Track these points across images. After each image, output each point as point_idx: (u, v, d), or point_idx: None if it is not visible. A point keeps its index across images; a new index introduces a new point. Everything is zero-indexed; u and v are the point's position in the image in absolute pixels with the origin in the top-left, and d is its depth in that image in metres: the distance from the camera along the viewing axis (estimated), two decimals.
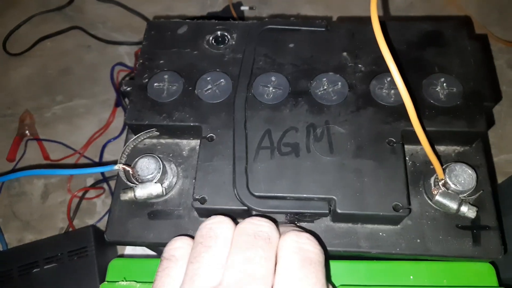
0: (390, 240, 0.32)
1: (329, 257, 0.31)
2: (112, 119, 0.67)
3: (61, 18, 0.82)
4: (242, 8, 0.73)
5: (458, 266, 0.32)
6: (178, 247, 0.24)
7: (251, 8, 0.74)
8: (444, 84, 0.35)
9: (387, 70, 0.36)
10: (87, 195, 0.61)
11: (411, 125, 0.30)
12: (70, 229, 0.57)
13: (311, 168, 0.32)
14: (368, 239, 0.32)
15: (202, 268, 0.21)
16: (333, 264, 0.32)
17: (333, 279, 0.32)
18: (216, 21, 0.41)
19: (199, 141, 0.35)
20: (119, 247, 0.55)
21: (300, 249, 0.22)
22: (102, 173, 0.60)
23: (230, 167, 0.33)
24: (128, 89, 0.37)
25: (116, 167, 0.33)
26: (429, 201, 0.33)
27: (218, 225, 0.23)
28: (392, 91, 0.35)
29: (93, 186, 0.61)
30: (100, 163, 0.61)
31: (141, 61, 0.39)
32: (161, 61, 0.38)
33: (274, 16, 0.74)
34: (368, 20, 0.28)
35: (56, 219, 0.61)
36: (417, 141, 0.33)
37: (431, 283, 0.32)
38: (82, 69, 0.75)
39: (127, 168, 0.33)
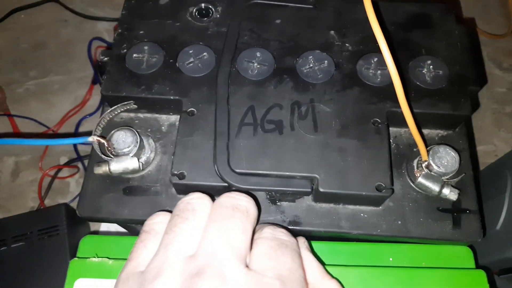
0: (371, 221, 0.32)
1: (310, 237, 0.31)
2: (88, 97, 0.64)
3: None
4: None
5: (437, 249, 0.32)
6: (158, 221, 0.23)
7: None
8: (431, 66, 0.35)
9: (374, 50, 0.35)
10: (60, 174, 0.59)
11: (397, 106, 0.29)
12: (40, 207, 0.55)
13: (295, 146, 0.31)
14: (349, 220, 0.32)
15: (177, 238, 0.20)
16: (314, 244, 0.31)
17: None
18: None
19: (179, 116, 0.34)
20: (92, 226, 0.53)
21: (275, 238, 0.22)
22: (77, 151, 0.58)
23: (211, 143, 0.31)
24: (105, 59, 0.35)
25: (90, 139, 0.31)
26: (411, 183, 0.33)
27: (197, 200, 0.23)
28: (379, 72, 0.34)
29: (66, 164, 0.59)
30: (74, 135, 0.59)
31: (119, 31, 0.37)
32: (141, 32, 0.37)
33: None
34: None
35: (26, 198, 0.58)
36: (401, 123, 0.32)
37: (410, 265, 0.32)
38: (58, 44, 0.72)
39: (102, 141, 0.31)
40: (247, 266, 0.20)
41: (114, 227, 0.49)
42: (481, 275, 0.30)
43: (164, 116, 0.36)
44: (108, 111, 0.33)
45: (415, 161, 0.33)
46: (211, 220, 0.21)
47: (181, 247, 0.19)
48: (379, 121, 0.32)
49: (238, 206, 0.22)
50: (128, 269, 0.21)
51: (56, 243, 0.44)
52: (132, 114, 0.35)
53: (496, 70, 0.70)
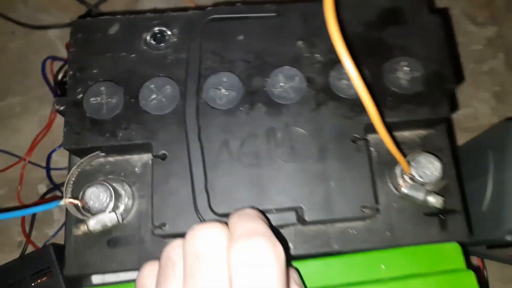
0: (361, 237, 0.32)
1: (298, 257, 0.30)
2: (54, 116, 0.61)
3: None
4: None
5: (426, 248, 0.33)
6: (146, 275, 0.23)
7: None
8: (406, 68, 0.33)
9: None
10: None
11: None
12: (28, 244, 0.54)
13: (275, 177, 0.31)
14: (339, 238, 0.32)
15: None
16: (302, 264, 0.31)
17: (304, 280, 0.31)
18: (152, 15, 0.36)
19: (151, 155, 0.32)
20: None
21: (251, 263, 0.20)
22: (51, 181, 0.56)
23: (188, 186, 0.30)
24: (62, 108, 0.33)
25: (62, 202, 0.30)
26: (395, 191, 0.33)
27: (176, 250, 0.22)
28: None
29: (46, 193, 0.57)
30: (48, 172, 0.56)
31: (71, 72, 0.34)
32: (94, 70, 0.34)
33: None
34: None
35: (12, 233, 0.57)
36: None
37: (402, 269, 0.32)
38: (9, 60, 0.67)
39: (75, 202, 0.30)
40: None
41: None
42: (471, 276, 0.31)
43: (136, 157, 0.34)
44: (75, 167, 0.31)
45: (398, 169, 0.32)
46: (184, 277, 0.21)
47: None
48: (358, 136, 0.31)
49: (202, 253, 0.21)
50: None
51: (52, 283, 0.44)
52: (102, 159, 0.34)
53: (471, 27, 0.67)
